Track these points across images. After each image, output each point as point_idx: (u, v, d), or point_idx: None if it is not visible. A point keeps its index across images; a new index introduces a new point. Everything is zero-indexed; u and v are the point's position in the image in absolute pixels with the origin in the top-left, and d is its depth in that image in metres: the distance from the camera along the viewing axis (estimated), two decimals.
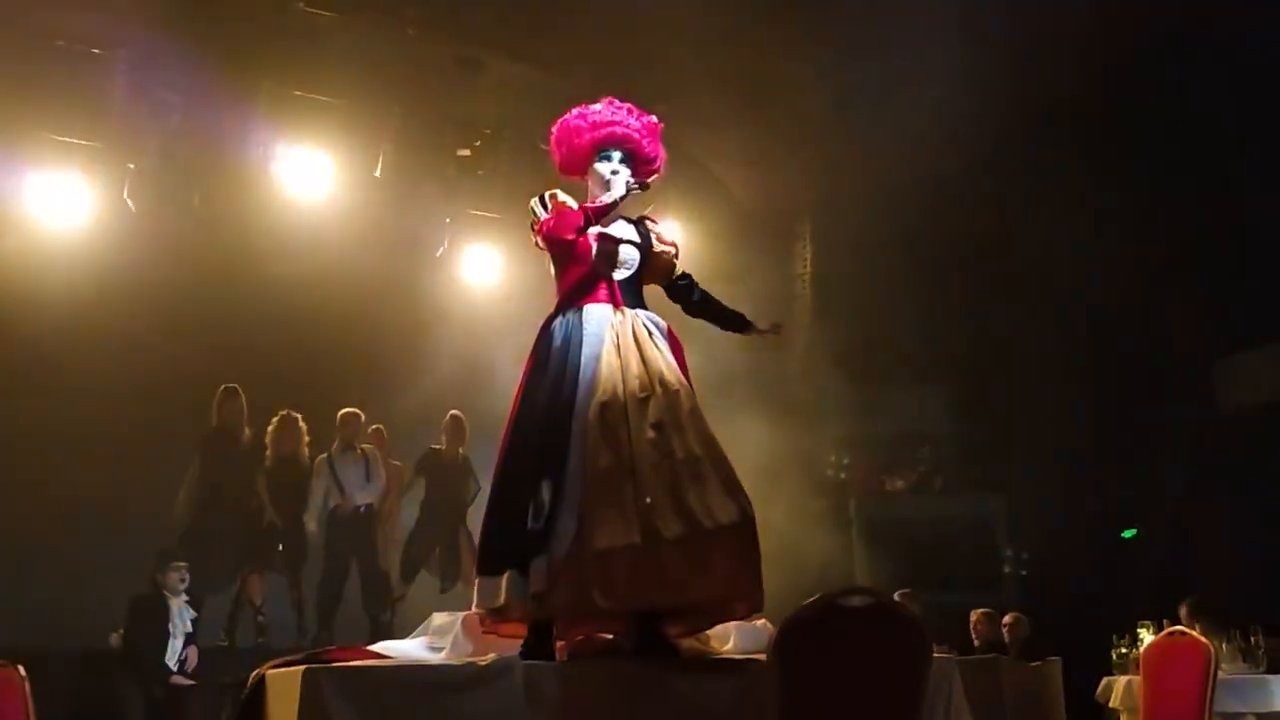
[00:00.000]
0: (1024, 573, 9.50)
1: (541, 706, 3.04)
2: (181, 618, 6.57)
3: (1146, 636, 5.98)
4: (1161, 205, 8.46)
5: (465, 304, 9.10)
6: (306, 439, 7.83)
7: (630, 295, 3.62)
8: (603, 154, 3.66)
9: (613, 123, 3.67)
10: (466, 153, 8.72)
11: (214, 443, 7.60)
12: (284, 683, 3.08)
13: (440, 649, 3.54)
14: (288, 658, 3.40)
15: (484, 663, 3.13)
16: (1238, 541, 8.34)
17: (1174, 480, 8.88)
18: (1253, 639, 5.90)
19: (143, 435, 7.62)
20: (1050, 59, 7.68)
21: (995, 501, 9.83)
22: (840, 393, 9.34)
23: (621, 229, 3.69)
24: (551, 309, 3.63)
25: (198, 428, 7.66)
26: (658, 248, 3.73)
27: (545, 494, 3.27)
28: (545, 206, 3.64)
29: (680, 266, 3.82)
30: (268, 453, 7.75)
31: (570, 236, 3.54)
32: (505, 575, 3.27)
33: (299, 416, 7.81)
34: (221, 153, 8.05)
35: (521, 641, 3.38)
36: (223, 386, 7.64)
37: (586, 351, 3.44)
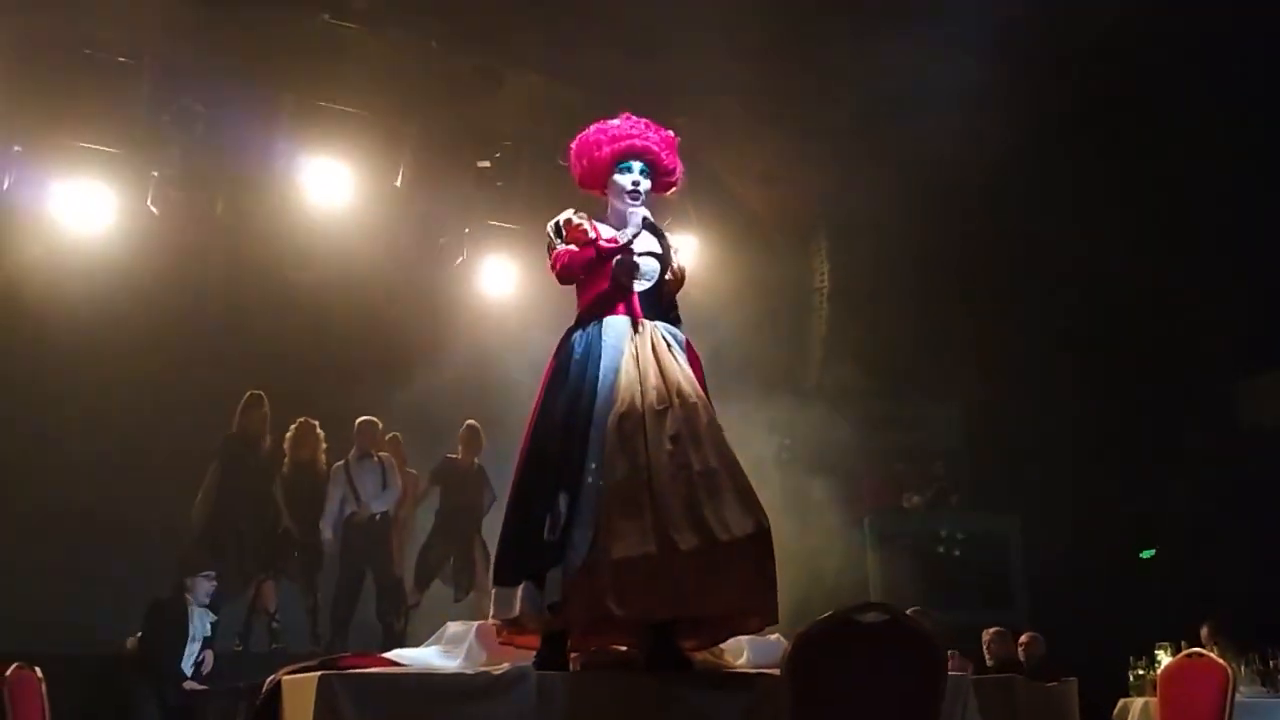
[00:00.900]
0: (1039, 591, 9.43)
1: (554, 716, 3.05)
2: (201, 622, 6.59)
3: (1164, 658, 5.93)
4: (1180, 223, 8.42)
5: (483, 314, 9.13)
6: (324, 446, 7.86)
7: (650, 307, 3.62)
8: (622, 165, 3.67)
9: (631, 135, 3.69)
10: (486, 164, 8.77)
11: (233, 448, 7.64)
12: (299, 689, 3.10)
13: (454, 657, 3.55)
14: (303, 664, 3.41)
15: (498, 672, 3.14)
16: (1257, 563, 8.27)
17: (1193, 500, 8.81)
18: (1271, 662, 5.85)
19: (162, 440, 7.67)
20: (1066, 74, 7.68)
21: (1011, 518, 9.77)
22: (855, 407, 9.32)
23: (642, 239, 3.69)
24: (570, 321, 3.64)
25: (217, 433, 7.70)
26: (675, 261, 3.74)
27: (562, 505, 3.28)
28: (560, 234, 3.63)
29: (695, 280, 3.83)
30: (285, 460, 7.79)
31: (582, 276, 3.58)
32: (521, 586, 3.28)
33: (316, 424, 7.84)
34: (244, 161, 8.13)
35: (535, 652, 3.39)
36: (248, 393, 7.68)
37: (605, 364, 3.45)
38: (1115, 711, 6.22)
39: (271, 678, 3.35)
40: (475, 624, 3.62)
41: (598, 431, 3.35)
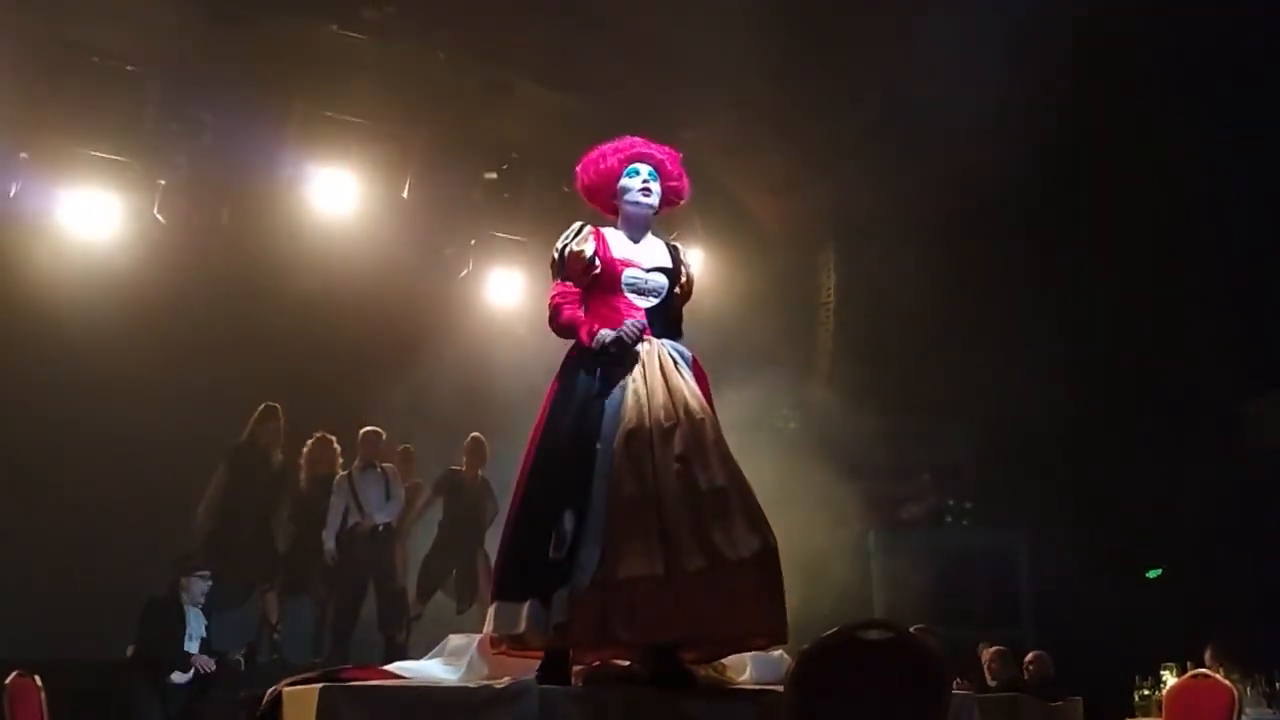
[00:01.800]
0: (1044, 609, 9.38)
1: None
2: (196, 622, 6.56)
3: (1169, 678, 5.90)
4: (1189, 242, 8.41)
5: (489, 326, 9.14)
6: (340, 461, 7.85)
7: (658, 323, 3.62)
8: (630, 170, 3.69)
9: (636, 144, 3.75)
10: (493, 176, 8.80)
11: (241, 457, 7.63)
12: (301, 700, 3.09)
13: (456, 670, 3.53)
14: (304, 675, 3.40)
15: (500, 685, 3.12)
16: (1264, 583, 8.22)
17: (1200, 520, 8.77)
18: (1277, 683, 5.81)
19: (166, 448, 7.65)
20: (1078, 89, 7.67)
21: (1016, 536, 9.72)
22: (860, 422, 9.29)
23: (653, 254, 3.69)
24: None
25: (222, 441, 7.70)
26: (684, 276, 3.73)
27: (568, 523, 3.26)
28: (564, 263, 3.60)
29: (703, 293, 3.83)
30: (301, 474, 7.78)
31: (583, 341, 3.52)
32: (526, 604, 3.26)
33: (334, 439, 7.82)
34: (252, 171, 8.15)
35: (537, 664, 3.36)
36: (263, 405, 7.67)
37: (612, 381, 3.44)
38: None
39: (273, 689, 3.34)
40: (477, 637, 3.59)
41: (605, 449, 3.33)
